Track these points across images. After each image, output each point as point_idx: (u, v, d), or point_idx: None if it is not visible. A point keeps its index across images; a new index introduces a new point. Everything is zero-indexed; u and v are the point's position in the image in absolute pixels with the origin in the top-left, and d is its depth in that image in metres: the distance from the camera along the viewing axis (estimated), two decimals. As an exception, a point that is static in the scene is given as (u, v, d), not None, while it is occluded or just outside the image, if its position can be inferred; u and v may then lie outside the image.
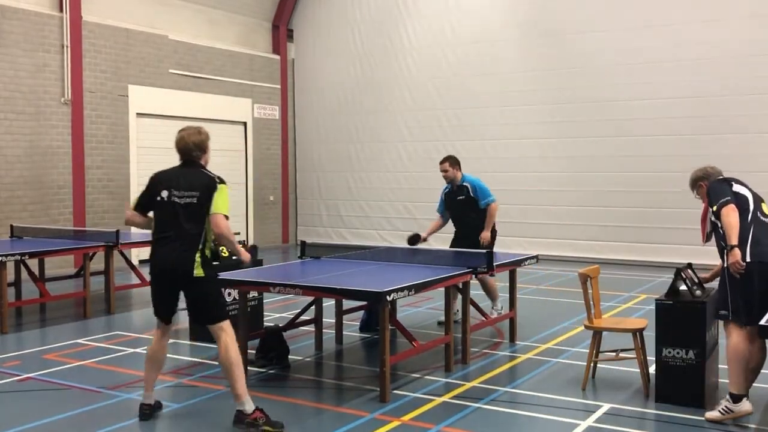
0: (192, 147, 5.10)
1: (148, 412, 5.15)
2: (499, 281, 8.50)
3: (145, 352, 6.95)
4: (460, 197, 8.13)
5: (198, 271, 4.89)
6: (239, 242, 7.94)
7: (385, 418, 5.09)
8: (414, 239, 8.33)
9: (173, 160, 5.23)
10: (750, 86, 12.42)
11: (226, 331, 5.00)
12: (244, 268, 6.41)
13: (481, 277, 7.76)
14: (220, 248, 7.63)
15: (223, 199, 4.95)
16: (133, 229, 8.06)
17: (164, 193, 5.00)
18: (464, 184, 8.14)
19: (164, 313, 5.16)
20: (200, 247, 4.92)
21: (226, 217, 4.95)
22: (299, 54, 17.75)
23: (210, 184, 4.98)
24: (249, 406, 4.85)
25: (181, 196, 4.95)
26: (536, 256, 7.84)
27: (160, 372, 5.33)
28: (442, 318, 7.45)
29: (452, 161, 8.16)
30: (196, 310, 5.13)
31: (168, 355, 6.89)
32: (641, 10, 13.33)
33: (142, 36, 14.15)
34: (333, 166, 17.20)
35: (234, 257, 7.58)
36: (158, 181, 5.10)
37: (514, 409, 5.34)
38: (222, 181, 5.03)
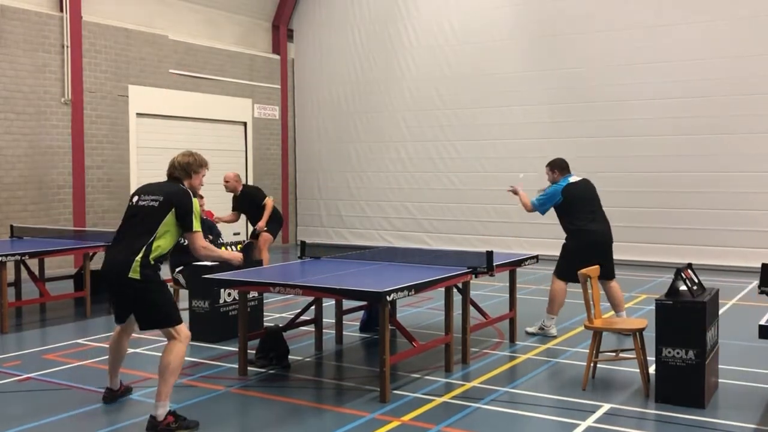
0: (176, 166, 5.16)
1: (108, 395, 5.40)
2: (499, 281, 8.50)
3: (145, 352, 6.99)
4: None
5: (133, 274, 4.76)
6: (239, 242, 7.99)
7: (385, 418, 5.09)
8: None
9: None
10: (751, 86, 12.41)
11: (176, 335, 4.90)
12: (239, 269, 6.29)
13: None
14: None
15: (197, 215, 5.00)
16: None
17: (134, 198, 5.06)
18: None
19: (116, 314, 5.22)
20: (144, 250, 4.80)
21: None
22: (299, 54, 17.74)
23: (177, 192, 4.99)
24: (162, 411, 4.74)
25: (145, 199, 4.98)
26: (536, 256, 7.86)
27: (121, 363, 5.45)
28: (530, 328, 7.71)
29: None
30: (136, 314, 5.02)
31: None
32: (642, 10, 13.33)
33: (142, 36, 14.15)
34: (333, 166, 17.18)
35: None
36: (135, 192, 5.17)
37: (514, 409, 5.33)
38: (195, 195, 5.08)
